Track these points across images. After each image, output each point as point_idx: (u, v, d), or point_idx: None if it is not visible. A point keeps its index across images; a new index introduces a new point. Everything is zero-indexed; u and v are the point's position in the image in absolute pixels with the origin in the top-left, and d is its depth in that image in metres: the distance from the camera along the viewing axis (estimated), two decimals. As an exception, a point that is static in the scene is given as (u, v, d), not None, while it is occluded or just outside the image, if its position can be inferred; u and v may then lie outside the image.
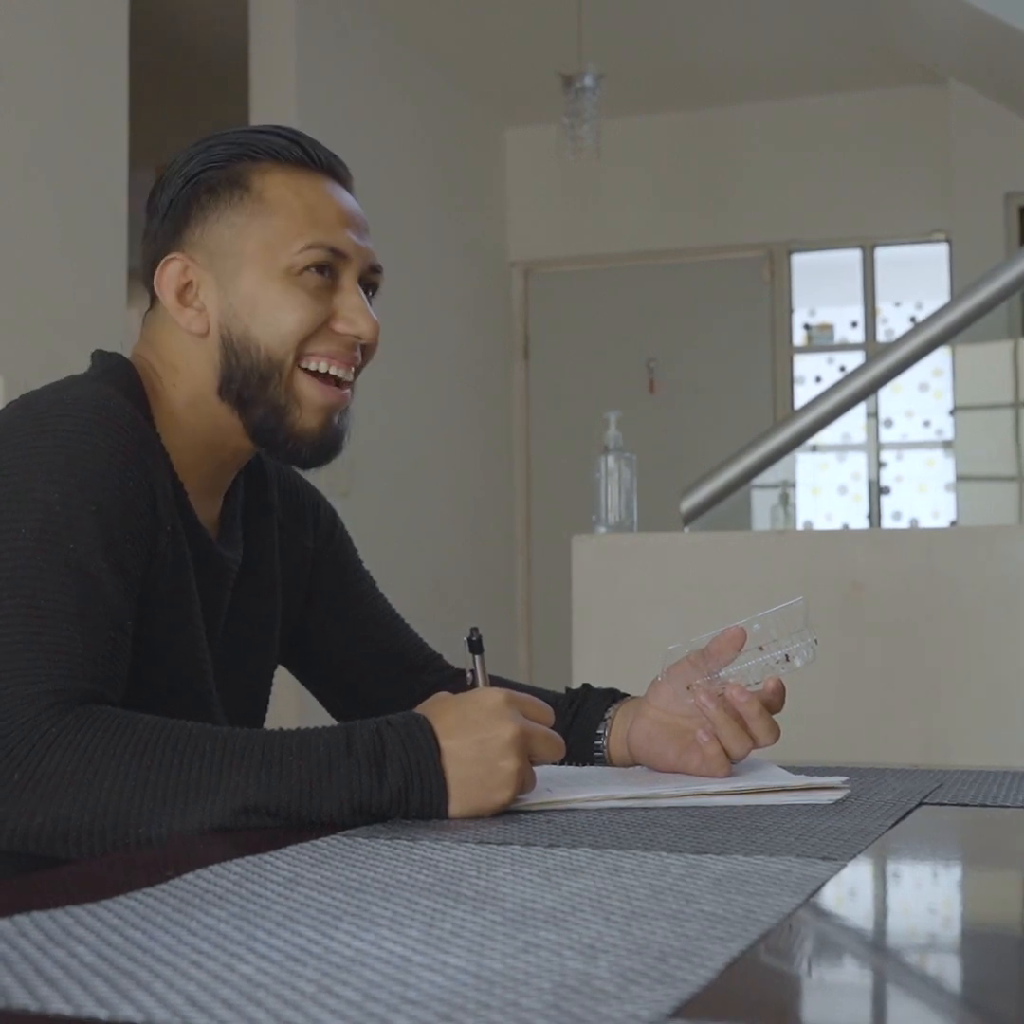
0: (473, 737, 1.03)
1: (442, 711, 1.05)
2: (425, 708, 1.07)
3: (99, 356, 1.28)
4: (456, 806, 1.02)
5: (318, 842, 0.94)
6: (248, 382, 1.24)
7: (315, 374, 1.24)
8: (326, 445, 1.27)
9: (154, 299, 1.29)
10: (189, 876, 0.82)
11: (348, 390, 1.27)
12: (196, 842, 0.97)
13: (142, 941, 0.67)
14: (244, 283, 1.23)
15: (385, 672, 1.46)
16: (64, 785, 0.98)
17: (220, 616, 1.31)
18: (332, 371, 1.25)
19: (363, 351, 1.28)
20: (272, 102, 4.52)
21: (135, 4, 3.73)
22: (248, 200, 1.24)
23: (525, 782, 1.05)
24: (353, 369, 1.27)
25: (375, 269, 1.29)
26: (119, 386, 1.22)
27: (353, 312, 1.25)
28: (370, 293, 1.29)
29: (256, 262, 1.23)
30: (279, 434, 1.25)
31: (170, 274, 1.25)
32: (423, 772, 1.01)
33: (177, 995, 0.58)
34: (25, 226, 3.25)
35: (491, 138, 6.09)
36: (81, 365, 1.30)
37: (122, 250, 3.56)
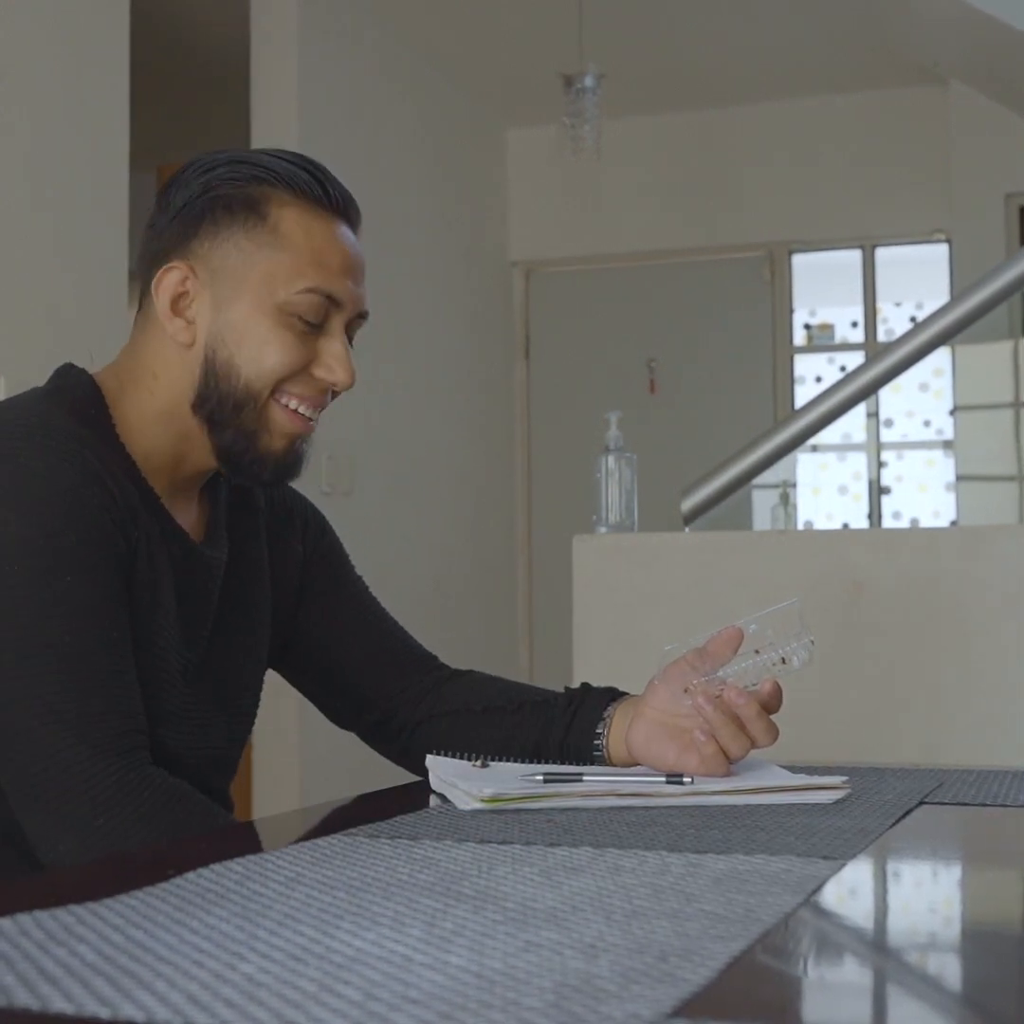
0: None
1: None
2: None
3: (56, 372, 1.30)
4: None
5: (319, 841, 0.94)
6: (223, 406, 1.27)
7: (285, 407, 1.28)
8: (287, 467, 1.31)
9: (143, 298, 1.31)
10: (190, 875, 0.82)
11: (314, 421, 1.31)
12: (196, 842, 0.97)
13: (143, 940, 0.67)
14: (238, 310, 1.26)
15: (378, 674, 1.46)
16: (130, 840, 1.09)
17: (209, 615, 1.32)
18: (301, 410, 1.28)
19: (334, 392, 1.31)
20: (272, 102, 4.52)
21: (136, 4, 3.73)
22: (261, 229, 1.26)
23: None
24: (321, 408, 1.31)
25: (362, 315, 1.32)
26: (66, 405, 1.23)
27: (334, 361, 1.28)
28: (351, 332, 1.32)
29: (254, 292, 1.26)
30: (245, 456, 1.29)
31: (169, 282, 1.27)
32: None
33: (179, 994, 0.58)
34: (25, 226, 3.24)
35: (492, 138, 6.08)
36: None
37: (122, 250, 3.55)
